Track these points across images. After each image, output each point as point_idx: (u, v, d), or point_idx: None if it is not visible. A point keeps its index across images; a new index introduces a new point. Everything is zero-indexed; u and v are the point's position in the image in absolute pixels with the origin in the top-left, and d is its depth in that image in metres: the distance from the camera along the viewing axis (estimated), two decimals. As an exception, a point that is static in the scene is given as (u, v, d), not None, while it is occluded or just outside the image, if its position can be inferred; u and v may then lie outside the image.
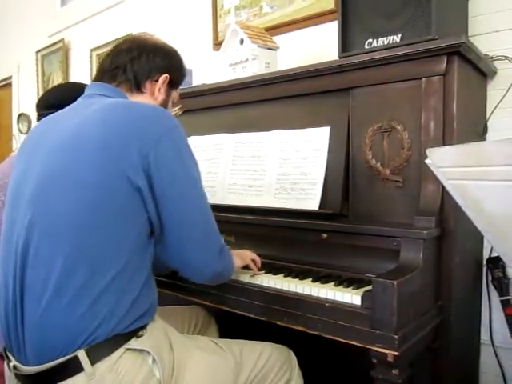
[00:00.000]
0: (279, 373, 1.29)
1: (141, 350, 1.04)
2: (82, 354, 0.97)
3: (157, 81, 1.24)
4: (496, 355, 1.75)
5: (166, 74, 1.25)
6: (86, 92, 1.22)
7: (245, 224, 1.65)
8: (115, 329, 1.01)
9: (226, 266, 1.19)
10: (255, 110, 1.83)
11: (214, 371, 1.18)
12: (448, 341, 1.42)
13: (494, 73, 1.70)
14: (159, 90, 1.25)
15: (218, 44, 2.60)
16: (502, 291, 1.67)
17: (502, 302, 1.66)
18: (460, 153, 0.83)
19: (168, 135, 1.05)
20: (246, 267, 1.44)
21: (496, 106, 1.66)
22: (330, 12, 2.14)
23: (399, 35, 1.50)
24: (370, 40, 1.57)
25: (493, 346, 1.75)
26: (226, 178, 1.81)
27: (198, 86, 2.08)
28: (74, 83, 1.88)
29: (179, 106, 1.51)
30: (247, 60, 1.91)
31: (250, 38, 1.90)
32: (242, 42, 1.94)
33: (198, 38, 2.83)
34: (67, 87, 1.80)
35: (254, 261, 1.44)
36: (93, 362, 0.98)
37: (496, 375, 1.76)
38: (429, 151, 0.90)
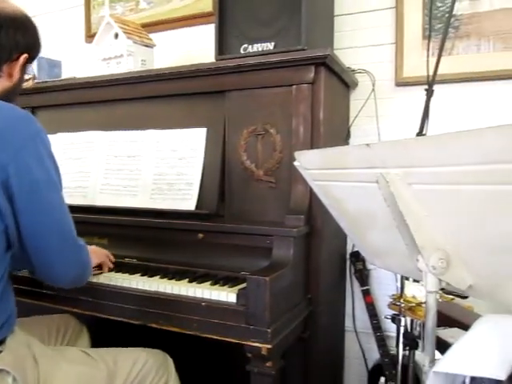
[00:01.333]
0: (155, 378, 1.27)
1: (-1, 370, 0.94)
2: None
3: (16, 60, 1.10)
4: (358, 340, 1.93)
5: (27, 54, 1.11)
6: None
7: (119, 226, 1.59)
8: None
9: (86, 266, 1.16)
10: (130, 108, 1.78)
11: (85, 383, 1.12)
12: (317, 330, 1.53)
13: (356, 84, 1.87)
14: (17, 70, 1.11)
15: (90, 36, 2.46)
16: (362, 282, 1.84)
17: (362, 291, 1.84)
18: (324, 156, 0.90)
19: (29, 144, 0.97)
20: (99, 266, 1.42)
21: (357, 115, 1.84)
22: (208, 14, 2.16)
23: (272, 43, 1.58)
24: (246, 45, 1.62)
25: (355, 332, 1.93)
26: (98, 177, 1.72)
27: (68, 79, 1.95)
28: None
29: (30, 76, 1.34)
30: (122, 56, 1.84)
31: (125, 32, 1.84)
32: (116, 36, 1.86)
33: (69, 27, 2.64)
34: None
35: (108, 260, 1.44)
36: None
37: (358, 358, 1.94)
38: (297, 154, 0.96)
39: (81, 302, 1.40)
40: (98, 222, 1.58)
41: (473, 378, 0.78)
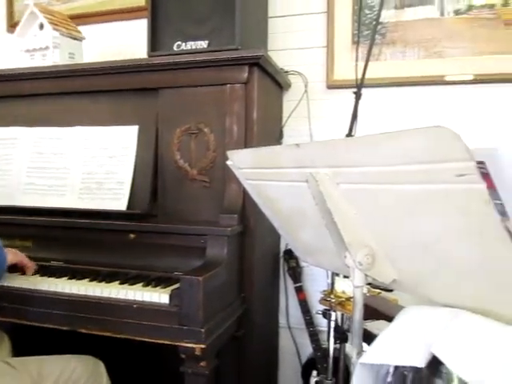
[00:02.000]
0: (86, 386, 1.22)
1: None
2: None
3: None
4: (292, 336, 1.97)
5: None
6: None
7: (44, 227, 1.51)
8: None
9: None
10: (57, 104, 1.69)
11: (5, 394, 1.05)
12: (251, 328, 1.54)
13: (289, 85, 1.90)
14: None
15: (13, 26, 2.31)
16: (295, 279, 1.88)
17: (295, 288, 1.88)
18: (256, 155, 0.90)
19: None
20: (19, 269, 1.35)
21: (289, 115, 1.87)
22: (141, 9, 2.10)
23: (206, 41, 1.57)
24: (179, 42, 1.59)
25: (289, 328, 1.97)
26: (21, 176, 1.62)
27: (-14, 70, 1.82)
28: None
29: None
30: (48, 48, 1.75)
31: (51, 23, 1.74)
32: (41, 26, 1.76)
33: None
34: None
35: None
36: None
37: (292, 354, 1.98)
38: (229, 153, 0.96)
39: (1, 308, 1.31)
40: (20, 223, 1.49)
41: (396, 367, 0.83)
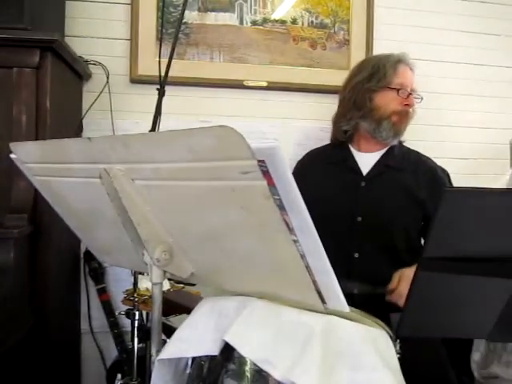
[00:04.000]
0: None
1: None
2: None
3: None
4: (95, 340, 1.86)
5: None
6: None
7: None
8: None
9: None
10: None
11: None
12: (47, 336, 1.41)
13: (89, 76, 1.79)
14: None
15: None
16: (98, 280, 1.79)
17: (98, 290, 1.79)
18: (43, 149, 0.82)
19: None
20: None
21: (89, 108, 1.76)
22: None
23: (-11, 17, 1.36)
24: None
25: (92, 333, 1.86)
26: None
27: None
28: None
29: None
30: None
31: None
32: None
33: None
34: None
35: None
36: None
37: (96, 359, 1.88)
38: (12, 145, 0.85)
39: None
40: None
41: (193, 358, 0.85)
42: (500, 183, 1.67)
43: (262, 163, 0.56)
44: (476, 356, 1.24)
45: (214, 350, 0.77)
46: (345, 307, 0.68)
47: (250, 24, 1.94)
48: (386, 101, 1.47)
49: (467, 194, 0.68)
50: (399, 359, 0.78)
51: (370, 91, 1.48)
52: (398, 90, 1.46)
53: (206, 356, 0.80)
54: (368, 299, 1.30)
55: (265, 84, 1.94)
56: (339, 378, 0.69)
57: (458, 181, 1.62)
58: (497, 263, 0.72)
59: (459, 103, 2.12)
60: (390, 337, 0.81)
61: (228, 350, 0.77)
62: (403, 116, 1.48)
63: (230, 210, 0.62)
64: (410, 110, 1.49)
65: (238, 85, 1.92)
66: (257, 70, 1.94)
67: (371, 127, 1.49)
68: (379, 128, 1.47)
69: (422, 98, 1.51)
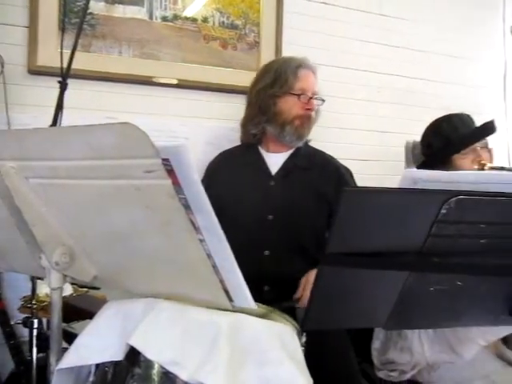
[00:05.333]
0: None
1: None
2: None
3: None
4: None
5: None
6: None
7: None
8: None
9: None
10: None
11: None
12: None
13: None
14: None
15: None
16: (-7, 289, 1.64)
17: (-8, 298, 1.64)
18: None
19: None
20: None
21: None
22: None
23: None
24: None
25: None
26: None
27: None
28: None
29: None
30: None
31: None
32: None
33: None
34: None
35: None
36: None
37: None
38: None
39: None
40: None
41: (97, 365, 0.81)
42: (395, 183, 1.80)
43: (166, 162, 0.55)
44: (376, 344, 1.33)
45: (118, 355, 0.75)
46: (252, 305, 0.69)
47: (160, 20, 1.90)
48: (289, 106, 1.52)
49: (364, 193, 0.72)
50: (304, 351, 0.81)
51: (273, 97, 1.52)
52: (299, 96, 1.52)
53: (111, 362, 0.77)
54: (277, 295, 1.34)
55: (175, 82, 1.91)
56: (247, 375, 0.70)
57: (360, 180, 1.72)
58: (391, 257, 0.77)
59: (359, 107, 2.25)
60: (297, 330, 0.84)
61: (134, 354, 0.74)
62: (305, 120, 1.54)
63: (135, 209, 0.60)
64: (312, 113, 1.56)
65: (147, 81, 1.87)
66: (167, 67, 1.90)
67: (276, 131, 1.54)
68: (283, 132, 1.52)
69: (323, 101, 1.58)
